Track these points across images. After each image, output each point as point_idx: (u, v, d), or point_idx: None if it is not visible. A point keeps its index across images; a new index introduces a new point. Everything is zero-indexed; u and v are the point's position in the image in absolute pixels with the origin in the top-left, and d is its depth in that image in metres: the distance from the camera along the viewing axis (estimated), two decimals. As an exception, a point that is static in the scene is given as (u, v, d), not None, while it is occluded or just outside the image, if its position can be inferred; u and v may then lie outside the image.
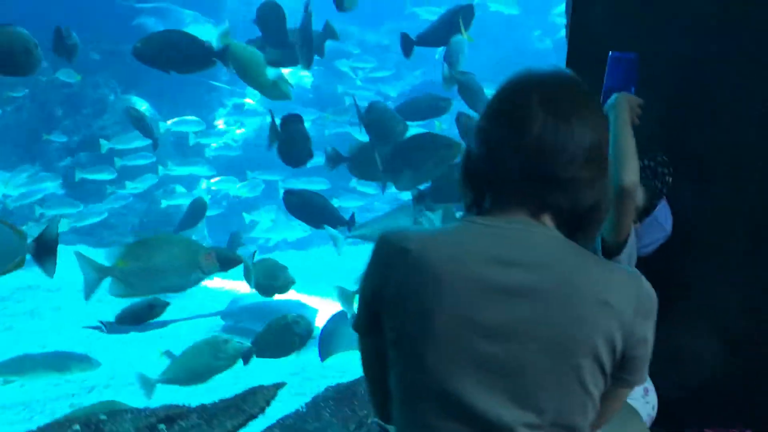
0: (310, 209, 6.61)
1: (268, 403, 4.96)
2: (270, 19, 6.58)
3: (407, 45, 7.04)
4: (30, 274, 5.89)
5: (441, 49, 7.32)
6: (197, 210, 8.98)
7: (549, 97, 1.57)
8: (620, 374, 1.56)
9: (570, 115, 1.55)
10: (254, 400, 4.94)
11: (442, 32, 6.95)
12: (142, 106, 10.73)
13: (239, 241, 8.98)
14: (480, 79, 6.80)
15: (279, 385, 5.23)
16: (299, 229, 10.36)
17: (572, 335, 1.48)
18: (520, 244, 1.54)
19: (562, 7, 14.49)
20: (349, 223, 6.51)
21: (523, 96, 1.58)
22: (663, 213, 2.94)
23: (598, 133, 1.57)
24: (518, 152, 1.55)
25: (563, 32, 13.21)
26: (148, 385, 5.50)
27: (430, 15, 11.07)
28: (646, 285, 1.56)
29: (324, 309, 7.60)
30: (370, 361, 1.80)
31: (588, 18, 3.23)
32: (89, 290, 5.03)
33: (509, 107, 1.60)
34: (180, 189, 10.91)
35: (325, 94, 13.00)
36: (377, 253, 1.65)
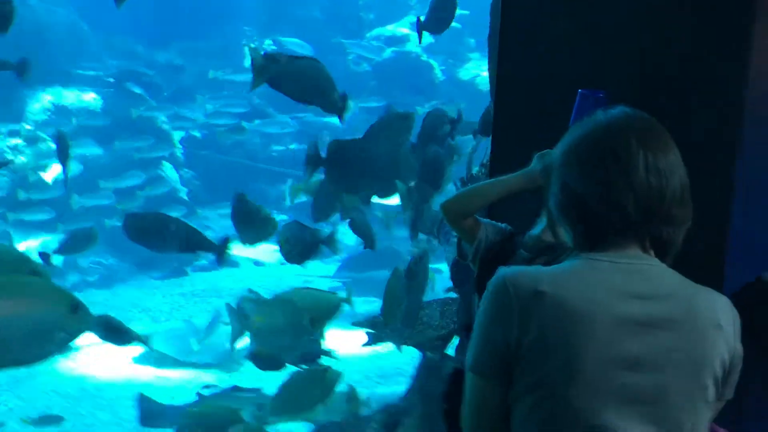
0: (156, 234, 5.97)
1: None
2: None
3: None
4: None
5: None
6: None
7: (645, 138, 1.68)
8: (722, 390, 1.70)
9: (665, 154, 1.68)
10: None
11: None
12: None
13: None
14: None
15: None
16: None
17: (701, 358, 1.64)
18: (647, 278, 1.66)
19: (378, 31, 15.07)
20: (220, 249, 5.94)
21: (623, 137, 1.68)
22: None
23: (684, 171, 1.72)
24: (633, 192, 1.64)
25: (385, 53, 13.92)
26: None
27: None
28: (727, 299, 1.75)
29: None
30: (492, 405, 1.71)
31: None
32: None
33: (610, 148, 1.68)
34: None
35: (118, 118, 11.95)
36: (503, 298, 1.65)
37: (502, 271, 1.69)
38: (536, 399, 1.62)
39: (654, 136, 1.69)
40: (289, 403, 5.44)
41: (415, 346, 5.84)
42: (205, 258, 6.28)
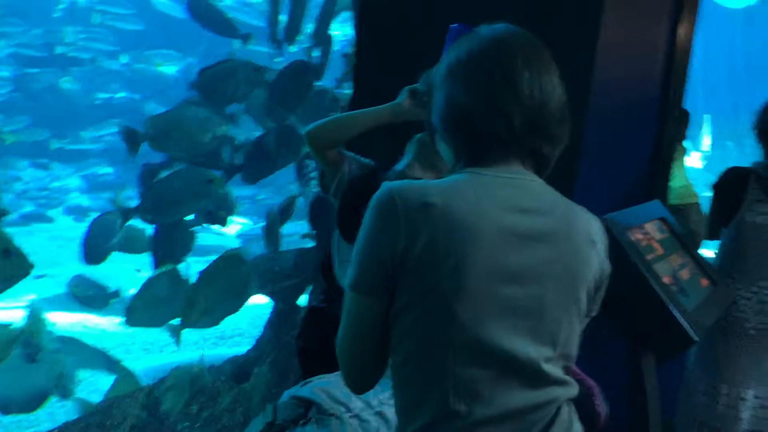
0: None
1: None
2: None
3: None
4: None
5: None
6: None
7: (529, 54, 1.67)
8: (590, 305, 1.72)
9: (548, 71, 1.68)
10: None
11: None
12: None
13: None
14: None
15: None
16: None
17: (577, 272, 1.64)
18: (529, 193, 1.65)
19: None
20: None
21: (509, 51, 1.66)
22: None
23: (563, 91, 1.71)
24: (519, 104, 1.63)
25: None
26: None
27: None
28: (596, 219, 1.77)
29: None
30: (372, 323, 1.66)
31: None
32: None
33: (497, 60, 1.66)
34: None
35: None
36: (390, 210, 1.58)
37: (388, 184, 1.62)
38: (421, 311, 1.59)
39: (538, 54, 1.68)
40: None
41: (267, 295, 5.87)
42: None
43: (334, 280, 2.73)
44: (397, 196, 1.58)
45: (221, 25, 8.26)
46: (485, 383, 1.58)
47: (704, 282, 3.28)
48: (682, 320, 2.77)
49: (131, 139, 6.19)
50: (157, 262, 7.01)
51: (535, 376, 1.62)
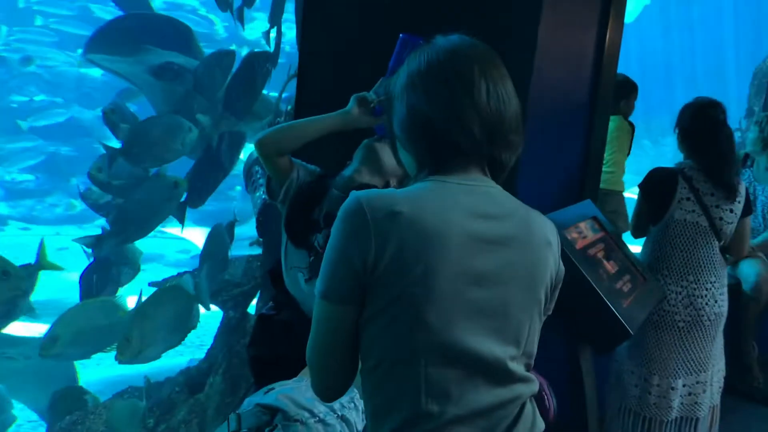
0: None
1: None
2: None
3: None
4: None
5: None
6: None
7: (486, 65, 1.72)
8: (548, 305, 1.80)
9: (503, 82, 1.73)
10: None
11: None
12: None
13: None
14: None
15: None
16: None
17: (537, 273, 1.70)
18: (491, 199, 1.71)
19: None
20: None
21: (466, 61, 1.71)
22: None
23: (517, 101, 1.78)
24: (478, 114, 1.68)
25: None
26: None
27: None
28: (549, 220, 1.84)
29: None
30: (344, 331, 1.67)
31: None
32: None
33: (454, 71, 1.71)
34: None
35: None
36: (359, 219, 1.60)
37: (355, 193, 1.64)
38: (392, 316, 1.59)
39: (493, 65, 1.73)
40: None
41: (217, 304, 5.85)
42: None
43: (283, 287, 2.75)
44: (366, 204, 1.60)
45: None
46: (455, 383, 1.63)
47: (636, 278, 3.42)
48: (619, 316, 2.89)
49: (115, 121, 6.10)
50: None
51: (502, 375, 1.67)
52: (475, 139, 1.69)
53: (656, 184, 3.74)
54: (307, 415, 1.90)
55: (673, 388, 3.73)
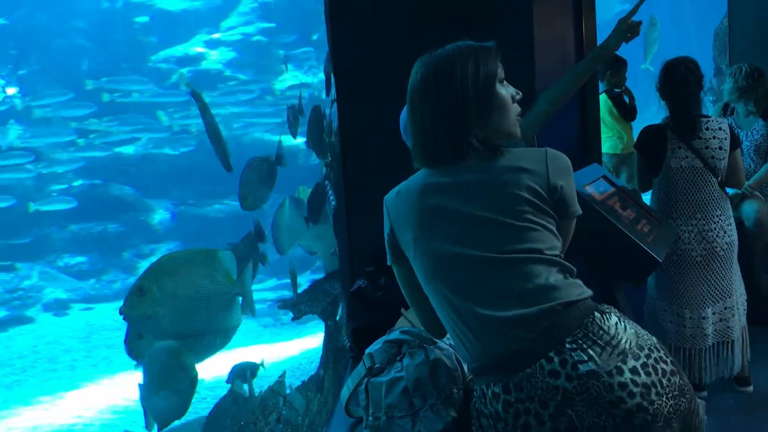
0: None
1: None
2: None
3: None
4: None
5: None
6: None
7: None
8: (558, 208, 2.08)
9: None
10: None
11: None
12: None
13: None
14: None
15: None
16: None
17: (503, 189, 2.00)
18: (463, 171, 2.06)
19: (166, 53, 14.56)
20: None
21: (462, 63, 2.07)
22: None
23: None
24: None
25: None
26: None
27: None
28: (552, 152, 2.12)
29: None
30: (407, 279, 2.17)
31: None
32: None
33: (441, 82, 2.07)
34: None
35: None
36: (384, 208, 2.16)
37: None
38: (417, 269, 2.08)
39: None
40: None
41: (318, 314, 6.13)
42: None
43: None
44: (386, 196, 2.15)
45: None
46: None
47: (652, 222, 3.85)
48: (646, 248, 3.31)
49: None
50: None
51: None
52: (471, 146, 2.05)
53: (648, 139, 4.21)
54: (428, 343, 2.31)
55: (704, 318, 4.13)
